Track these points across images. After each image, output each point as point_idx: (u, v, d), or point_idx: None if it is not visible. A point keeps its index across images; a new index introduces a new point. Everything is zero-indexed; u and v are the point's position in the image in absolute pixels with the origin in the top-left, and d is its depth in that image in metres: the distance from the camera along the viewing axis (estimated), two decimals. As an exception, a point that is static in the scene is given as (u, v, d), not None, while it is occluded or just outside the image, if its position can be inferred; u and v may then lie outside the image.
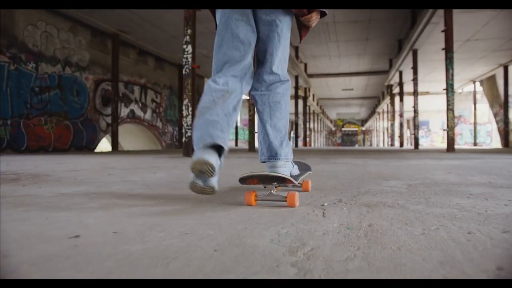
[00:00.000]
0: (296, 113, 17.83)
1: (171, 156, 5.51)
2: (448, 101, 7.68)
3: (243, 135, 27.98)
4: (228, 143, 1.44)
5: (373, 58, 17.63)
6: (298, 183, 1.65)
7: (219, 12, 1.62)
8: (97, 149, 10.78)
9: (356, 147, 30.33)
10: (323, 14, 1.67)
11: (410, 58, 12.62)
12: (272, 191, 1.42)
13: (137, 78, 12.66)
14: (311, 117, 29.60)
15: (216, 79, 1.56)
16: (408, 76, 15.77)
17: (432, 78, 17.61)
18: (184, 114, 5.42)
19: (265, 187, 1.46)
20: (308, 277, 0.63)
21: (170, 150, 11.39)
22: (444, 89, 7.87)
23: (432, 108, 27.61)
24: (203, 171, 1.29)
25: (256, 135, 8.95)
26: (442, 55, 13.49)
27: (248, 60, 1.61)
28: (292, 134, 18.58)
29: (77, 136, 9.80)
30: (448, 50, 7.70)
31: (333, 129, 47.58)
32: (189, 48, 5.59)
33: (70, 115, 9.60)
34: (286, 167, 1.64)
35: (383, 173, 2.76)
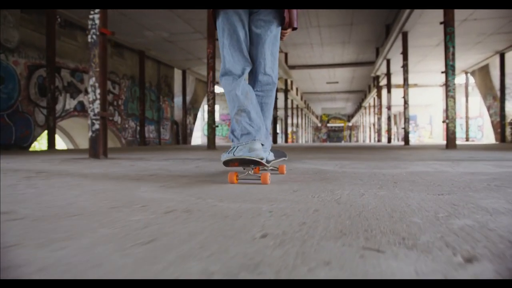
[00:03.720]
0: (275, 106, 16.28)
1: (75, 159, 3.90)
2: (448, 86, 6.26)
3: (221, 131, 26.35)
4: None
5: (358, 47, 16.23)
6: (275, 167, 2.08)
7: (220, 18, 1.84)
8: (33, 147, 9.05)
9: (342, 143, 29.09)
10: (294, 29, 1.99)
11: (399, 43, 11.21)
12: (249, 172, 1.78)
13: (87, 65, 10.91)
14: (295, 112, 28.15)
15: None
16: (396, 65, 14.40)
17: (421, 68, 16.30)
18: (91, 98, 3.81)
19: (244, 168, 1.81)
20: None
21: (120, 148, 9.74)
22: (442, 72, 6.45)
23: (420, 102, 26.45)
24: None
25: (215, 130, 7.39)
26: (435, 38, 12.22)
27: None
28: (275, 130, 17.14)
29: (4, 132, 8.08)
30: (448, 23, 6.26)
31: (319, 124, 46.36)
32: (99, 5, 3.96)
33: (-8, 106, 7.87)
34: (263, 154, 1.75)
35: (383, 216, 1.25)
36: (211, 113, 7.22)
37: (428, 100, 25.10)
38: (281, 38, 1.98)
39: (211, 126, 7.19)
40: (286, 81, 18.89)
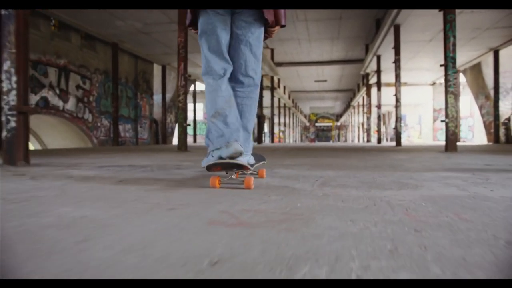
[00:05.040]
0: (260, 105, 15.49)
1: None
2: (448, 81, 5.55)
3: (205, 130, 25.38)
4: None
5: (348, 43, 15.55)
6: (254, 171, 2.00)
7: (201, 19, 1.82)
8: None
9: (331, 143, 28.47)
10: (283, 26, 1.91)
11: (390, 37, 10.52)
12: (232, 176, 1.76)
13: (53, 57, 9.94)
14: (282, 111, 27.39)
15: None
16: (387, 62, 13.75)
17: (412, 66, 15.69)
18: (5, 88, 2.94)
19: (226, 173, 1.80)
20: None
21: (68, 150, 8.79)
22: (441, 65, 5.73)
23: (409, 101, 25.94)
24: None
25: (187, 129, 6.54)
26: (428, 33, 11.41)
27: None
28: (261, 130, 16.35)
29: None
30: (448, 10, 5.54)
31: (307, 124, 45.79)
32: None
33: None
34: (244, 158, 1.74)
35: None
36: (182, 110, 6.38)
37: (417, 99, 24.60)
38: (269, 36, 1.98)
39: (182, 125, 6.35)
40: (272, 78, 18.11)
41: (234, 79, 1.86)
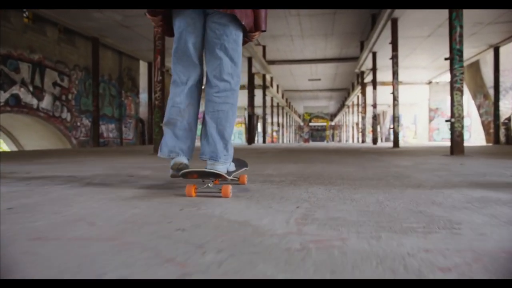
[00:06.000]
0: (252, 104, 14.87)
1: None
2: (454, 76, 4.96)
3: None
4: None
5: (342, 40, 14.98)
6: (236, 177, 1.88)
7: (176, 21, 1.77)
8: None
9: (325, 143, 27.87)
10: (263, 31, 1.87)
11: (387, 32, 9.95)
12: (209, 185, 1.65)
13: (25, 52, 9.22)
14: (275, 110, 26.77)
15: None
16: (383, 59, 13.18)
17: (409, 63, 15.15)
18: None
19: (203, 181, 1.68)
20: None
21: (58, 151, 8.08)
22: (446, 59, 5.14)
23: (404, 101, 25.46)
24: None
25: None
26: (426, 28, 10.71)
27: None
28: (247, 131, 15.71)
29: None
30: (454, -3, 4.94)
31: (302, 124, 45.26)
32: None
33: None
34: (223, 165, 1.73)
35: None
36: (159, 108, 5.73)
37: (413, 98, 24.07)
38: (249, 40, 1.91)
39: (159, 124, 5.70)
40: (264, 76, 17.48)
41: (209, 84, 1.77)
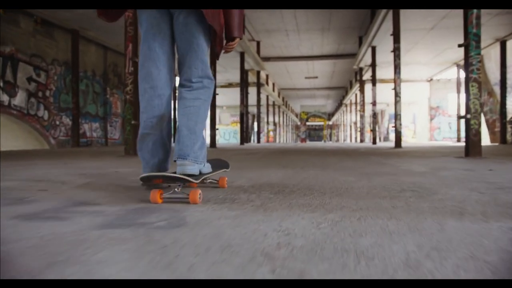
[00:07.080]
0: (244, 102, 14.14)
1: None
2: (470, 65, 4.24)
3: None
4: None
5: (339, 35, 14.30)
6: (214, 180, 1.87)
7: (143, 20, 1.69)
8: None
9: (322, 143, 27.14)
10: (240, 38, 1.78)
11: (387, 24, 9.25)
12: (176, 189, 1.45)
13: (5, 48, 8.47)
14: (271, 109, 26.04)
15: None
16: (382, 55, 12.49)
17: (409, 59, 14.46)
18: None
19: (169, 186, 1.57)
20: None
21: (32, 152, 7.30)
22: (460, 45, 4.43)
23: (403, 99, 24.75)
24: None
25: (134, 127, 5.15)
26: (430, 18, 9.86)
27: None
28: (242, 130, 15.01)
29: None
30: (470, -27, 4.23)
31: (299, 123, 44.55)
32: None
33: None
34: (195, 166, 1.62)
35: None
36: (130, 104, 4.99)
37: (412, 97, 23.37)
38: (227, 50, 1.80)
39: (130, 122, 4.96)
40: (258, 73, 16.74)
41: (181, 82, 1.71)
